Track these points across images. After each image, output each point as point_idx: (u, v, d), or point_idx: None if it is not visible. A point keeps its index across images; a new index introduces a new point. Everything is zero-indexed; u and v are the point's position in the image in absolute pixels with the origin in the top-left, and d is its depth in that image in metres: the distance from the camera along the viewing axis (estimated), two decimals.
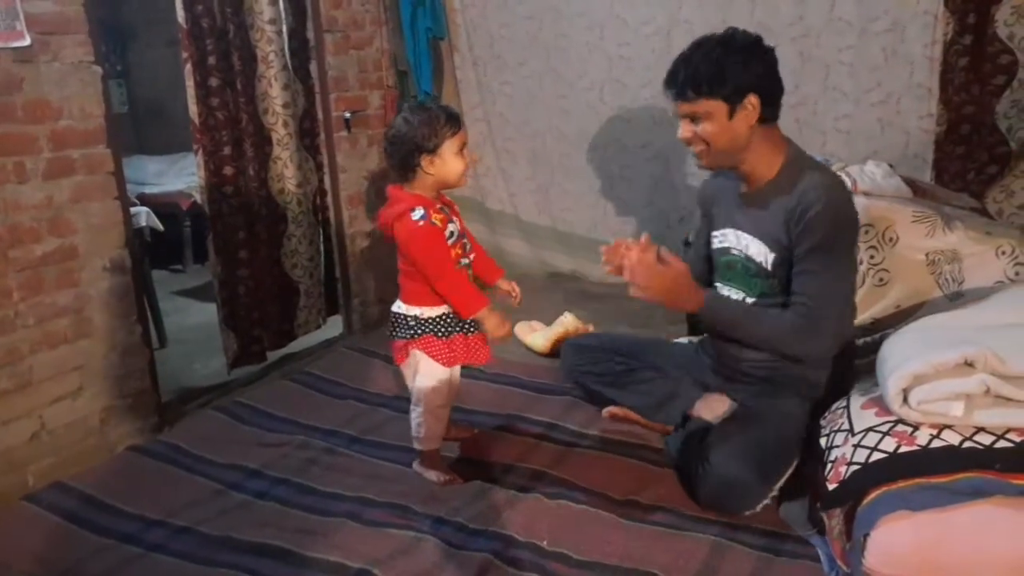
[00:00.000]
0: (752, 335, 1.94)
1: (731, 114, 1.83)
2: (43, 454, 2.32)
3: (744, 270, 1.98)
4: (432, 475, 2.00)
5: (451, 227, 1.96)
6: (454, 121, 1.91)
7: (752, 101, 1.82)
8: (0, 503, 2.11)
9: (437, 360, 1.95)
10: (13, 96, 2.21)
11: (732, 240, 2.02)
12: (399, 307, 2.00)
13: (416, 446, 2.01)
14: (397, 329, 2.00)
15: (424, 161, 1.89)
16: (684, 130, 1.89)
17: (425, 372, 1.96)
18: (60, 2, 2.29)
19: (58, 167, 2.33)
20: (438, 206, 1.95)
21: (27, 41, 2.21)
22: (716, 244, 2.08)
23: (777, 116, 1.90)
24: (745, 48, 1.83)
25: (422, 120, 1.88)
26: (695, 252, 2.25)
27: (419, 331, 1.96)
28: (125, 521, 1.82)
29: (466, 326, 1.97)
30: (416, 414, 1.98)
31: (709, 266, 2.16)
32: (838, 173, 2.44)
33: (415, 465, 2.03)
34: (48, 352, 2.34)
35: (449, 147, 1.89)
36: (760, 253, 1.92)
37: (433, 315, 1.96)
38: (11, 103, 2.21)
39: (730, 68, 1.80)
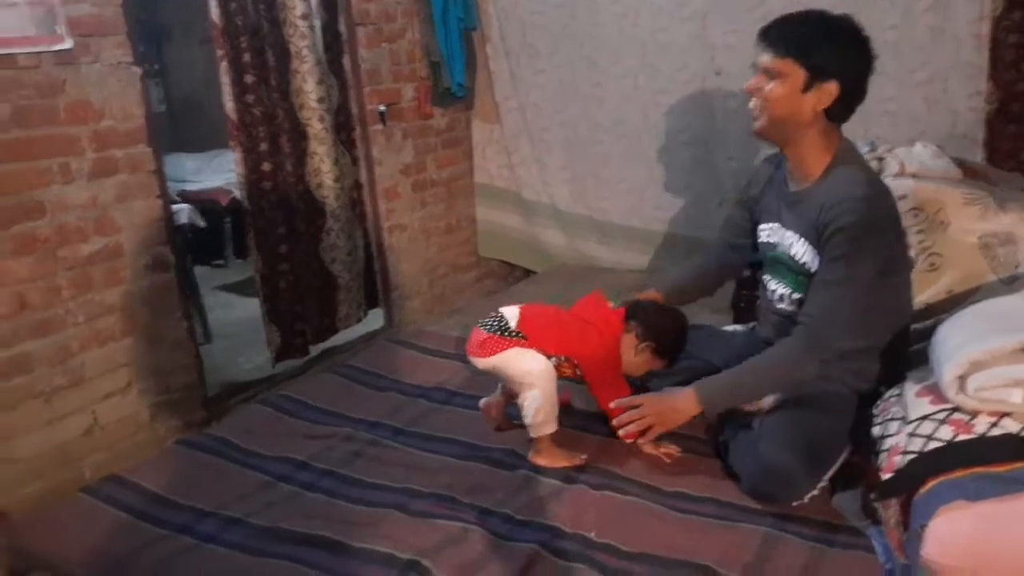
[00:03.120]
0: (761, 389, 1.92)
1: (807, 87, 1.78)
2: (97, 448, 2.38)
3: (787, 267, 1.95)
4: (563, 461, 1.99)
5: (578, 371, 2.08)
6: (670, 361, 2.07)
7: (831, 88, 1.78)
8: (59, 495, 2.17)
9: (530, 349, 2.01)
10: (56, 98, 2.26)
11: (777, 236, 1.99)
12: (511, 316, 2.07)
13: (533, 434, 1.99)
14: (489, 326, 2.06)
15: (629, 336, 2.04)
16: (755, 81, 1.85)
17: (532, 356, 2.00)
18: (99, 4, 2.33)
19: (102, 167, 2.38)
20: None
21: (68, 44, 2.26)
22: (762, 238, 2.06)
23: (847, 118, 1.86)
24: (853, 36, 1.80)
25: (673, 334, 2.05)
26: (720, 241, 2.26)
27: (507, 332, 2.03)
28: (178, 513, 1.84)
29: None
30: (531, 399, 1.97)
31: (734, 253, 2.21)
32: (883, 158, 2.41)
33: (531, 457, 2.00)
34: (98, 349, 2.39)
35: (647, 356, 2.04)
36: (801, 252, 1.89)
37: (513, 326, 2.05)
38: (54, 105, 2.26)
39: (830, 44, 1.77)
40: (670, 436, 2.07)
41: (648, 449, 2.00)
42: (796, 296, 1.94)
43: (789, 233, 1.94)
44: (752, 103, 1.87)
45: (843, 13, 1.83)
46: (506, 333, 2.03)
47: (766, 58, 1.82)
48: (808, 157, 1.87)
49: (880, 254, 1.79)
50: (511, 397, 2.10)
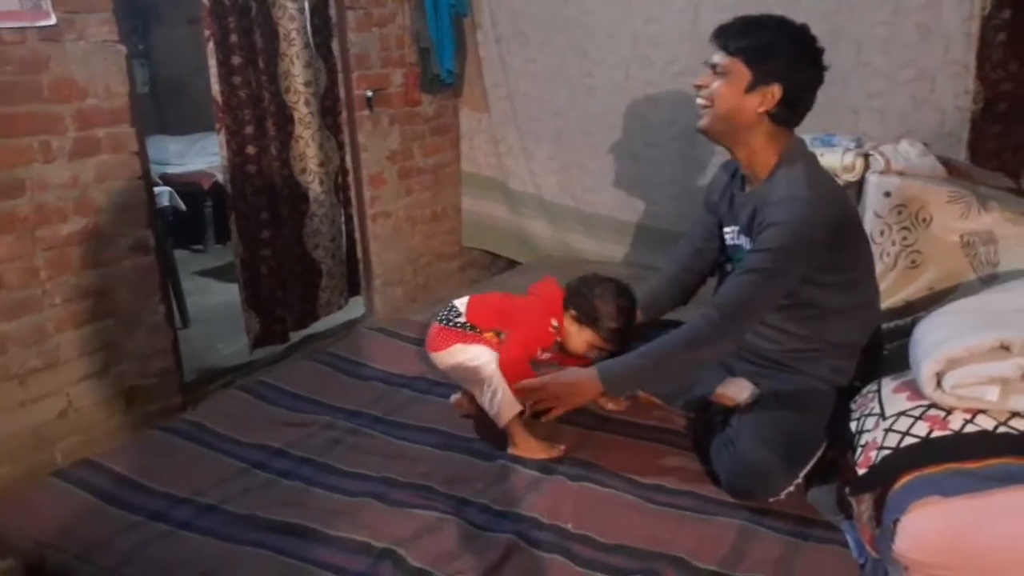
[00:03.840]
0: (666, 370, 1.95)
1: (750, 88, 1.81)
2: (71, 431, 2.36)
3: None
4: (540, 452, 1.98)
5: (543, 354, 2.09)
6: (616, 333, 2.02)
7: (774, 91, 1.80)
8: (29, 478, 2.15)
9: (471, 344, 2.05)
10: (39, 75, 2.23)
11: (736, 239, 2.01)
12: (461, 305, 2.10)
13: (500, 422, 1.99)
14: (452, 316, 2.09)
15: (568, 316, 2.05)
16: (704, 78, 1.89)
17: (473, 352, 2.03)
18: None
19: (83, 146, 2.35)
20: (558, 338, 2.08)
21: (53, 20, 2.22)
22: (728, 240, 2.07)
23: (793, 124, 1.89)
24: (802, 44, 1.82)
25: (604, 305, 2.02)
26: (687, 243, 2.26)
27: (456, 327, 2.07)
28: (152, 498, 1.82)
29: None
30: (484, 390, 1.99)
31: (701, 258, 2.21)
32: (870, 154, 2.41)
33: (509, 449, 1.99)
34: (74, 331, 2.37)
35: (589, 334, 2.03)
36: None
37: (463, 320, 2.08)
38: (37, 82, 2.22)
39: (777, 50, 1.79)
40: (653, 431, 2.08)
41: (611, 405, 2.13)
42: None
43: (743, 237, 1.96)
44: (699, 99, 1.90)
45: (803, 23, 1.85)
46: (455, 325, 2.07)
47: (716, 56, 1.86)
48: (755, 159, 1.90)
49: (811, 253, 1.79)
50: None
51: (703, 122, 1.91)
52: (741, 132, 1.87)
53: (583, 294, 2.05)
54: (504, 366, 1.99)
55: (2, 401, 2.21)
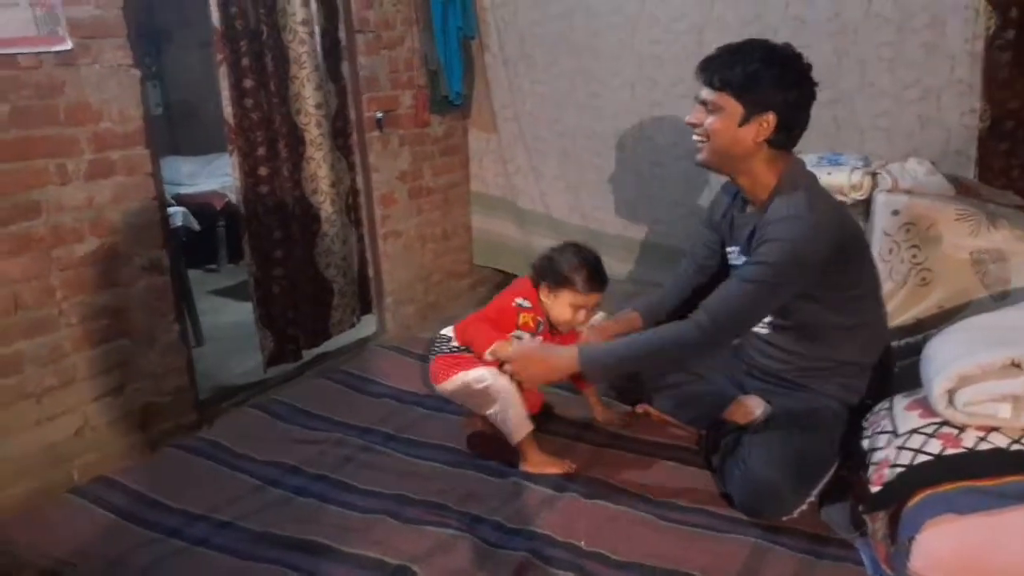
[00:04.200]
0: (645, 364, 1.98)
1: (744, 120, 1.82)
2: (87, 449, 2.37)
3: None
4: (551, 467, 2.00)
5: (526, 334, 2.07)
6: (590, 284, 2.04)
7: (769, 119, 1.81)
8: (47, 496, 2.16)
9: (472, 367, 2.05)
10: (56, 99, 2.26)
11: (737, 260, 2.02)
12: (448, 330, 2.15)
13: (513, 440, 2.01)
14: (436, 347, 2.15)
15: (543, 289, 2.08)
16: (695, 115, 1.90)
17: (476, 374, 2.03)
18: (100, 6, 2.33)
19: (99, 168, 2.38)
20: (541, 318, 2.09)
21: (69, 45, 2.26)
22: (731, 260, 2.08)
23: (791, 146, 1.90)
24: (788, 67, 1.82)
25: (566, 260, 2.06)
26: (690, 259, 2.27)
27: (453, 351, 2.11)
28: (169, 516, 1.84)
29: None
30: (495, 411, 2.01)
31: (703, 275, 2.21)
32: (877, 173, 2.42)
33: (521, 465, 2.01)
34: (90, 350, 2.38)
35: (567, 295, 2.05)
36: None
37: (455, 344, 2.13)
38: (53, 106, 2.26)
39: (765, 78, 1.79)
40: (665, 448, 2.08)
41: (601, 418, 2.19)
42: (768, 318, 1.96)
43: (742, 255, 1.97)
44: (694, 135, 1.91)
45: (784, 43, 1.86)
46: (452, 351, 2.10)
47: (705, 92, 1.87)
48: (756, 183, 1.91)
49: (807, 272, 1.79)
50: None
51: (702, 156, 1.92)
52: (740, 162, 1.88)
53: (544, 263, 2.10)
54: (457, 331, 2.08)
55: (19, 419, 2.22)
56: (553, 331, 2.13)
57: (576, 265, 2.05)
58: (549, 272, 2.07)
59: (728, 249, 2.09)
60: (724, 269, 2.14)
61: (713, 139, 1.86)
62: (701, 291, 2.25)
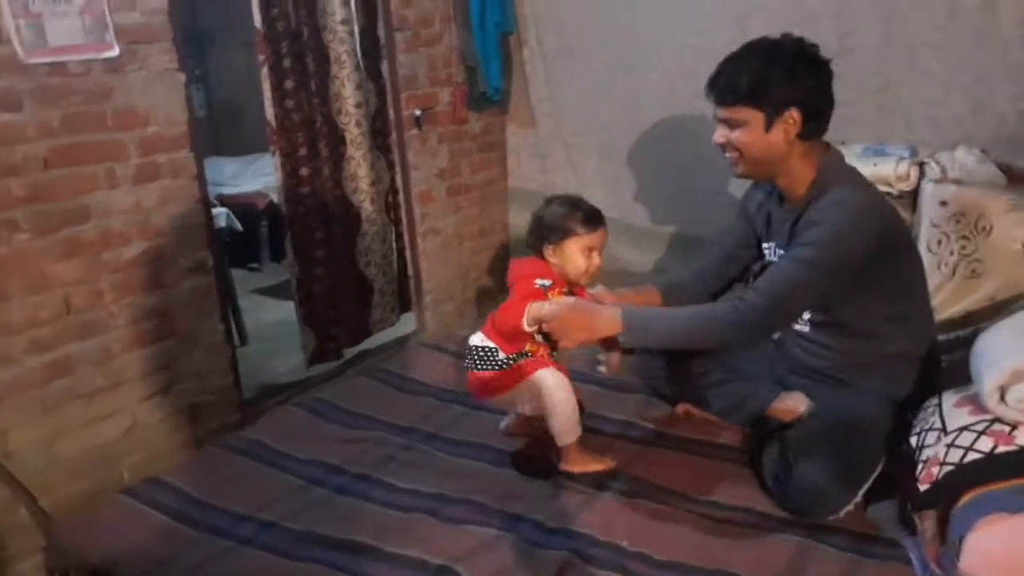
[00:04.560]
0: (687, 341, 1.91)
1: (768, 126, 1.79)
2: (136, 449, 2.43)
3: None
4: (593, 465, 1.98)
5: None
6: (591, 222, 1.96)
7: (793, 115, 1.77)
8: (97, 496, 2.22)
9: (534, 370, 1.97)
10: (104, 105, 2.31)
11: (774, 255, 1.98)
12: (483, 339, 2.04)
13: (560, 443, 1.99)
14: (479, 361, 2.04)
15: (547, 250, 1.98)
16: (719, 135, 1.87)
17: (532, 384, 1.97)
18: (146, 13, 2.38)
19: (146, 172, 2.43)
20: (563, 288, 2.00)
21: (116, 51, 2.31)
22: (766, 257, 2.05)
23: (823, 131, 1.85)
24: (794, 58, 1.77)
25: (558, 211, 1.97)
26: (719, 248, 2.22)
27: (501, 365, 2.01)
28: (215, 515, 1.87)
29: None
30: (553, 417, 1.97)
31: (730, 264, 2.17)
32: (925, 163, 2.36)
33: (561, 464, 1.99)
34: (139, 351, 2.44)
35: (574, 244, 1.95)
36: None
37: (507, 357, 2.02)
38: (102, 112, 2.31)
39: (774, 78, 1.76)
40: (707, 447, 2.06)
41: (603, 368, 2.01)
42: (805, 315, 1.93)
43: (781, 251, 1.94)
44: (726, 154, 1.88)
45: (783, 33, 1.81)
46: (501, 366, 2.01)
47: (720, 110, 1.84)
48: (793, 181, 1.87)
49: (852, 259, 1.76)
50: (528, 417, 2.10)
51: (739, 170, 1.89)
52: (778, 164, 1.85)
53: (536, 228, 2.01)
54: (500, 326, 1.97)
55: (71, 420, 2.28)
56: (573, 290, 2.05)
57: (566, 211, 1.97)
58: (545, 232, 1.98)
59: (764, 245, 2.06)
60: (751, 263, 2.12)
61: (746, 152, 1.83)
62: (725, 280, 2.23)
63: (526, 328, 1.91)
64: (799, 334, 1.97)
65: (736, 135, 1.82)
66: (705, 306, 1.91)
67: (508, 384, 2.00)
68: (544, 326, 1.90)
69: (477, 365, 2.04)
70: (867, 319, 1.86)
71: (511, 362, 2.01)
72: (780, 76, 1.76)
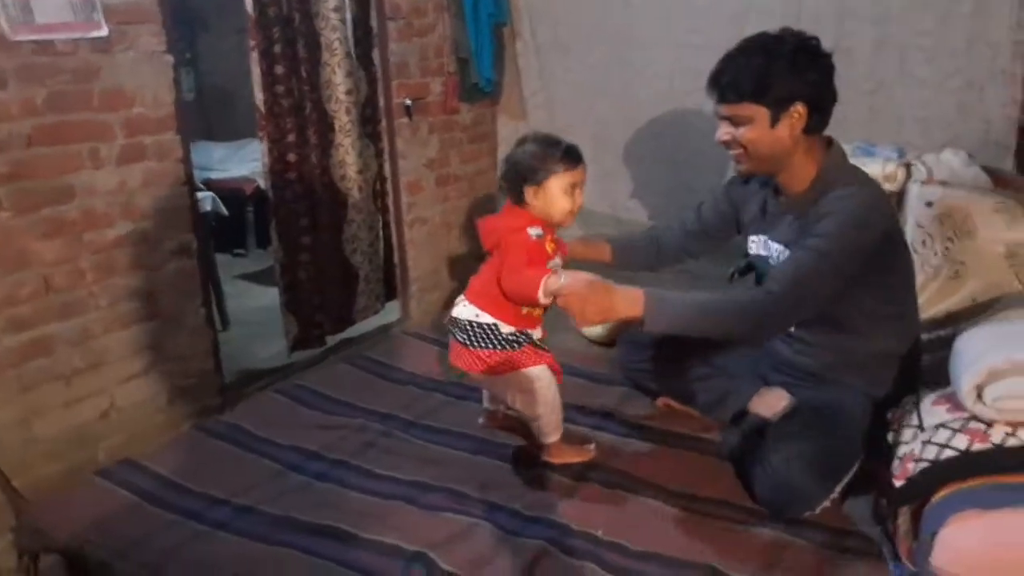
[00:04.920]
0: (707, 329, 1.84)
1: (774, 121, 1.77)
2: (113, 431, 2.41)
3: None
4: (574, 456, 1.97)
5: (556, 261, 1.91)
6: (570, 158, 1.86)
7: (799, 110, 1.76)
8: (73, 477, 2.21)
9: (529, 364, 1.92)
10: (91, 84, 2.29)
11: (765, 248, 1.97)
12: (477, 315, 1.91)
13: (545, 441, 1.97)
14: (476, 339, 1.91)
15: (528, 192, 1.85)
16: (722, 133, 1.84)
17: (527, 379, 1.93)
18: None
19: (131, 153, 2.41)
20: (553, 235, 1.91)
21: (105, 31, 2.29)
22: (752, 250, 2.03)
23: (826, 125, 1.84)
24: (796, 52, 1.75)
25: (536, 151, 1.85)
26: (693, 218, 2.18)
27: (502, 344, 1.90)
28: (191, 499, 1.86)
29: (535, 345, 1.95)
30: (536, 415, 1.94)
31: (697, 240, 2.17)
32: (912, 164, 2.38)
33: (546, 458, 1.98)
34: (119, 332, 2.43)
35: (556, 183, 1.83)
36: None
37: (508, 331, 1.91)
38: (88, 91, 2.29)
39: (777, 73, 1.73)
40: (686, 440, 2.06)
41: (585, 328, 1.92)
42: None
43: (776, 245, 1.93)
44: (730, 152, 1.86)
45: (782, 28, 1.80)
46: (504, 343, 1.91)
47: (723, 108, 1.81)
48: (794, 177, 1.86)
49: (863, 248, 1.74)
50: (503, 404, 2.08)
51: (744, 167, 1.87)
52: (783, 160, 1.83)
53: (513, 171, 1.87)
54: (513, 294, 1.84)
55: (48, 401, 2.27)
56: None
57: (545, 149, 1.85)
58: (526, 174, 1.84)
59: (752, 238, 2.04)
60: (716, 247, 2.16)
61: (752, 149, 1.81)
62: (684, 254, 2.23)
63: (542, 301, 1.81)
64: (786, 332, 1.97)
65: (741, 132, 1.80)
66: (729, 294, 1.88)
67: (507, 367, 1.92)
68: (559, 301, 1.78)
69: (476, 343, 1.91)
70: (858, 316, 1.85)
71: (515, 340, 1.91)
72: (783, 71, 1.73)
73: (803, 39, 1.78)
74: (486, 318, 1.90)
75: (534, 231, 1.86)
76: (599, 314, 1.75)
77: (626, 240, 2.26)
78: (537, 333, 1.97)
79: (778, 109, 1.76)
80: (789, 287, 1.74)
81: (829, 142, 1.87)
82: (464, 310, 1.93)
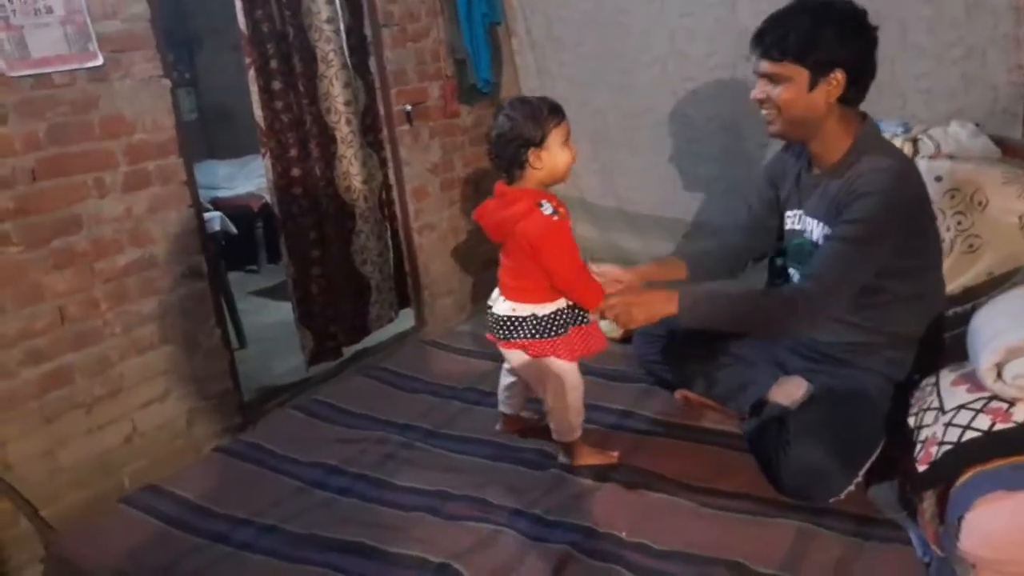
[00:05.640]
0: (744, 325, 1.89)
1: (812, 85, 1.76)
2: (136, 456, 2.43)
3: (809, 253, 1.91)
4: (595, 459, 1.98)
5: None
6: (557, 112, 1.87)
7: (838, 77, 1.75)
8: (99, 504, 2.23)
9: (565, 359, 1.91)
10: (90, 114, 2.31)
11: (800, 223, 1.95)
12: (513, 308, 1.92)
13: (563, 440, 1.98)
14: (515, 331, 1.92)
15: (531, 156, 1.84)
16: (759, 90, 1.84)
17: (559, 372, 1.92)
18: (129, 20, 2.37)
19: (135, 180, 2.42)
20: (556, 201, 1.90)
21: (100, 60, 2.30)
22: (788, 225, 2.02)
23: (861, 99, 1.82)
24: (845, 19, 1.75)
25: (525, 114, 1.84)
26: (747, 215, 2.18)
27: (542, 332, 1.90)
28: (215, 521, 1.87)
29: (579, 318, 1.93)
30: (558, 412, 1.95)
31: (760, 236, 2.14)
32: (918, 139, 2.35)
33: (561, 458, 1.99)
34: (136, 358, 2.44)
35: (555, 138, 1.84)
36: (821, 236, 1.86)
37: (549, 312, 1.90)
38: (89, 121, 2.30)
39: (824, 37, 1.73)
40: (706, 434, 2.05)
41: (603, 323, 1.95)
42: None
43: (809, 219, 1.91)
44: (763, 110, 1.85)
45: None
46: (517, 329, 1.91)
47: (765, 65, 1.81)
48: (829, 145, 1.85)
49: (899, 227, 1.75)
50: (526, 398, 2.09)
51: (775, 128, 1.86)
52: (815, 126, 1.82)
53: (507, 139, 1.84)
54: (575, 294, 1.88)
55: (70, 429, 2.28)
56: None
57: (532, 109, 1.84)
58: (526, 139, 1.82)
59: (787, 213, 2.02)
60: (773, 235, 2.11)
61: (785, 110, 1.81)
62: (755, 254, 2.21)
63: (595, 318, 1.90)
64: None
65: (777, 92, 1.80)
66: (768, 293, 1.90)
67: (546, 352, 1.91)
68: (608, 313, 1.87)
69: (517, 334, 1.91)
70: (882, 296, 1.83)
71: (557, 323, 1.90)
72: (831, 36, 1.73)
73: (853, 8, 1.77)
74: (523, 310, 1.91)
75: (547, 209, 1.84)
76: (645, 319, 1.86)
77: (699, 253, 2.26)
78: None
79: (818, 73, 1.75)
80: (825, 282, 1.75)
81: (863, 117, 1.86)
82: (502, 306, 1.95)
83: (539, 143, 1.83)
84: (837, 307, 1.80)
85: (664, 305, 1.83)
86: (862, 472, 1.75)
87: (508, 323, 1.92)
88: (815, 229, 1.88)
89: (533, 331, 1.90)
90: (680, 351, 2.23)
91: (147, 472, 2.37)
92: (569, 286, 1.87)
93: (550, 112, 1.85)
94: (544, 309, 1.89)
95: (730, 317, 1.86)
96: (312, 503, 1.92)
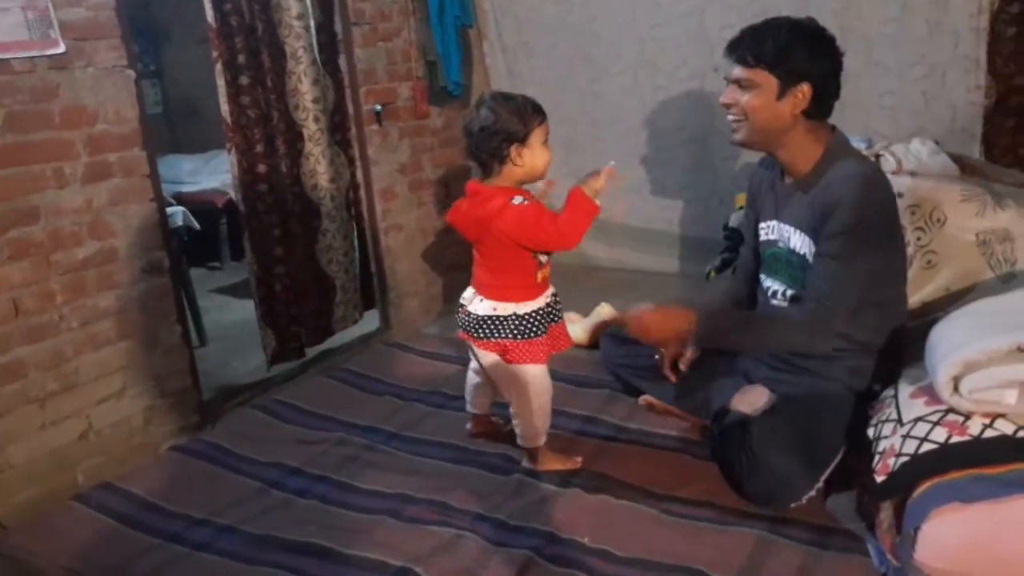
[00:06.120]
0: (756, 345, 1.96)
1: (780, 94, 1.81)
2: (91, 453, 2.37)
3: (788, 263, 1.94)
4: (560, 464, 1.98)
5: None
6: (539, 111, 1.89)
7: (804, 90, 1.80)
8: (52, 501, 2.16)
9: (538, 362, 1.92)
10: (51, 103, 2.25)
11: (775, 232, 1.98)
12: (494, 308, 1.90)
13: (528, 445, 1.98)
14: (495, 331, 1.90)
15: (514, 152, 1.84)
16: (728, 95, 1.88)
17: (530, 376, 1.92)
18: (92, 8, 2.31)
19: (96, 171, 2.37)
20: (530, 196, 1.90)
21: (62, 48, 2.24)
22: (762, 236, 2.05)
23: (826, 116, 1.88)
24: (817, 37, 1.82)
25: (510, 109, 1.84)
26: (745, 245, 2.23)
27: (524, 332, 1.89)
28: (171, 521, 1.84)
29: (553, 316, 1.95)
30: (524, 416, 1.95)
31: (759, 260, 2.13)
32: (880, 155, 2.39)
33: (525, 463, 1.99)
34: (92, 354, 2.38)
35: (537, 137, 1.85)
36: (801, 245, 1.89)
37: (529, 310, 1.90)
38: (48, 110, 2.24)
39: (797, 50, 1.79)
40: (669, 441, 2.06)
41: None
42: (790, 292, 1.95)
43: (786, 227, 1.94)
44: (729, 116, 1.89)
45: (807, 16, 1.86)
46: (497, 329, 1.90)
47: (737, 70, 1.85)
48: (796, 156, 1.89)
49: (880, 236, 1.81)
50: (493, 398, 2.08)
51: (739, 136, 1.90)
52: (780, 136, 1.87)
53: (489, 134, 1.83)
54: (569, 239, 1.86)
55: (23, 425, 2.22)
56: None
57: (515, 104, 1.85)
58: (511, 134, 1.81)
59: (761, 225, 2.05)
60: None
61: (752, 116, 1.85)
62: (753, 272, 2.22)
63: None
64: None
65: (746, 98, 1.84)
66: (776, 316, 1.96)
67: (518, 357, 1.90)
68: (629, 330, 1.94)
69: (496, 334, 1.90)
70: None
71: (537, 321, 1.90)
72: (803, 50, 1.79)
73: (824, 31, 1.84)
74: (504, 309, 1.90)
75: (518, 200, 1.85)
76: (662, 339, 1.97)
77: (730, 291, 2.26)
78: (550, 290, 1.99)
79: (787, 83, 1.80)
80: (824, 302, 1.80)
81: (832, 128, 1.91)
82: (480, 305, 1.92)
83: (523, 139, 1.83)
84: (847, 322, 1.83)
85: (681, 324, 1.90)
86: (823, 477, 1.78)
87: (488, 323, 1.91)
88: (792, 236, 1.92)
89: (515, 331, 1.89)
90: (645, 357, 2.24)
91: (102, 470, 2.31)
92: (570, 235, 1.86)
93: (534, 110, 1.87)
94: (524, 308, 1.90)
95: (745, 339, 1.95)
96: (271, 504, 1.90)
